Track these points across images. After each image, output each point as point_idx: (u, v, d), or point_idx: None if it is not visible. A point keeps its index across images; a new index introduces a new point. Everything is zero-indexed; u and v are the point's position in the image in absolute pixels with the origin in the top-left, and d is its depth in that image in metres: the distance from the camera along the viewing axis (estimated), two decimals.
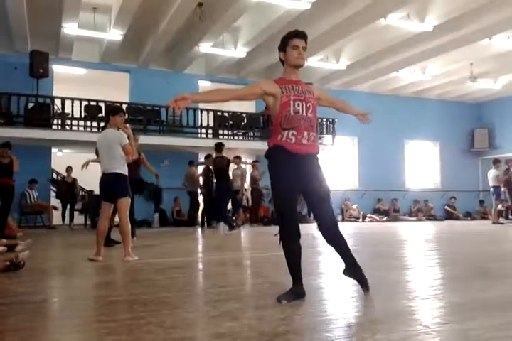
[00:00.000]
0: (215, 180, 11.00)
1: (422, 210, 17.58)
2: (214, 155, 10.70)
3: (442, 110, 18.87)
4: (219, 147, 10.44)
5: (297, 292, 3.06)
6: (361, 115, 3.86)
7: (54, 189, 13.36)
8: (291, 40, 3.22)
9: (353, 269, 3.27)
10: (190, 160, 13.34)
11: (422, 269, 4.77)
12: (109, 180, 5.41)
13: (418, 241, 8.45)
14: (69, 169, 12.74)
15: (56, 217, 12.40)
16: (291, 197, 3.08)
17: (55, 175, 13.82)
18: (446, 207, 17.92)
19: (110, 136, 5.47)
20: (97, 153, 6.14)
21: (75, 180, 12.83)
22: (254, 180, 13.47)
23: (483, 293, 3.36)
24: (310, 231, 7.00)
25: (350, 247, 3.24)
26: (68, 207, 12.77)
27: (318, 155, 3.23)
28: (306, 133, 3.13)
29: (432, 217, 17.23)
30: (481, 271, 4.46)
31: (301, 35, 3.25)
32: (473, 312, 2.77)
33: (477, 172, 18.79)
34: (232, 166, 11.45)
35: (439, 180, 19.04)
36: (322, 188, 3.16)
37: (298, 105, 3.13)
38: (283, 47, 3.25)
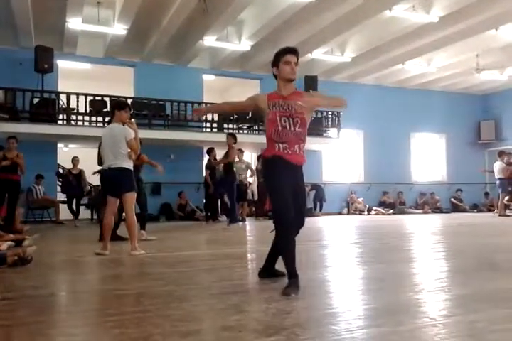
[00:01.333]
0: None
1: (428, 203, 17.53)
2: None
3: (448, 102, 18.75)
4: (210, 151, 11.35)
5: (298, 284, 3.13)
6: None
7: (60, 183, 13.32)
8: (284, 56, 3.39)
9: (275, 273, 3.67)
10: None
11: (428, 262, 4.77)
12: (114, 174, 5.40)
13: (424, 234, 8.44)
14: (75, 160, 12.04)
15: (63, 211, 12.45)
16: (289, 199, 3.27)
17: (61, 170, 13.87)
18: (452, 200, 17.87)
19: (116, 131, 5.47)
20: (99, 148, 6.10)
21: (81, 171, 11.99)
22: (259, 174, 13.47)
23: (489, 285, 3.36)
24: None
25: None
26: (74, 201, 11.89)
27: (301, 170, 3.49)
28: (296, 147, 3.38)
29: (438, 210, 17.18)
30: (487, 264, 4.45)
31: (293, 51, 3.43)
32: (480, 304, 2.77)
33: (484, 165, 18.65)
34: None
35: (446, 173, 18.96)
36: (303, 198, 3.48)
37: (284, 121, 3.35)
38: (275, 62, 3.43)
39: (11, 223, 8.29)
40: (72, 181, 11.82)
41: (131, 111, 6.37)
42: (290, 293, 3.01)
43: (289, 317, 2.51)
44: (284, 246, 3.28)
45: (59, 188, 13.24)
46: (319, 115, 15.15)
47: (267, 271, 3.67)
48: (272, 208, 3.39)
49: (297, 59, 3.44)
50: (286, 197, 3.25)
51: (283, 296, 2.98)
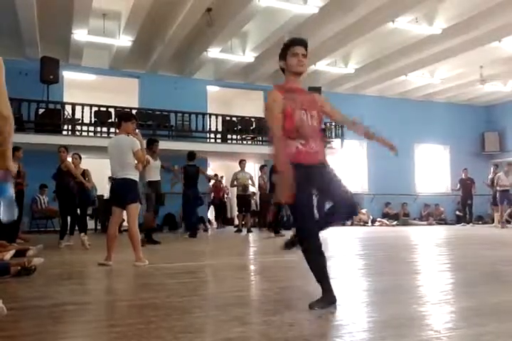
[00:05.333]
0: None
1: (432, 214, 17.46)
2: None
3: (452, 113, 18.77)
4: (191, 155, 10.74)
5: (329, 299, 3.00)
6: (379, 140, 3.75)
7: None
8: (291, 47, 3.19)
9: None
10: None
11: (433, 274, 4.73)
12: (120, 185, 5.43)
13: (428, 246, 8.39)
14: (74, 158, 9.06)
15: None
16: (311, 210, 3.05)
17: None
18: (457, 212, 17.78)
19: (123, 142, 5.49)
20: None
21: (85, 171, 9.19)
22: (261, 185, 13.50)
23: (494, 298, 3.33)
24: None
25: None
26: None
27: (328, 164, 3.20)
28: (312, 142, 3.13)
29: (442, 221, 17.10)
30: (491, 276, 4.42)
31: (301, 42, 3.22)
32: (484, 317, 2.74)
33: (488, 176, 18.61)
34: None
35: (450, 184, 18.91)
36: (339, 185, 3.14)
37: (302, 114, 3.13)
38: (283, 55, 3.23)
39: (15, 233, 8.29)
40: (70, 184, 8.45)
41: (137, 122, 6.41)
42: (314, 306, 2.91)
43: (293, 329, 2.49)
44: (314, 264, 3.05)
45: None
46: (322, 126, 15.17)
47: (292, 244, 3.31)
48: (297, 224, 3.12)
49: (306, 50, 3.21)
50: (310, 211, 3.03)
51: (286, 308, 2.97)
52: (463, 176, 15.30)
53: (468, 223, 15.02)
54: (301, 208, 3.03)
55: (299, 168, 3.00)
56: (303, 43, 3.22)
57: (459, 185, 15.25)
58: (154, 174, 8.84)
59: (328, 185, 3.11)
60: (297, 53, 3.17)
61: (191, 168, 10.71)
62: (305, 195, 3.02)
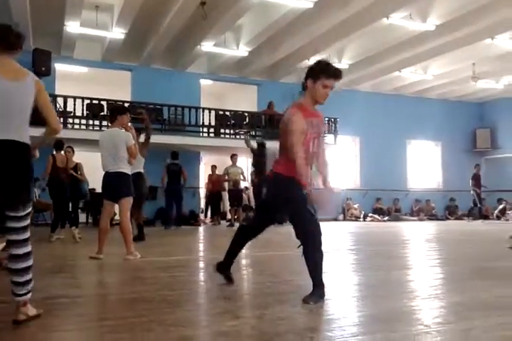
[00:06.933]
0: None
1: (423, 210, 17.57)
2: (168, 161, 11.71)
3: (444, 110, 18.84)
4: (175, 154, 11.66)
5: (322, 294, 3.05)
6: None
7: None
8: (327, 78, 3.10)
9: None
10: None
11: (423, 269, 4.77)
12: (113, 179, 5.39)
13: (419, 241, 8.45)
14: (67, 151, 8.63)
15: None
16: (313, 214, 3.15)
17: None
18: (447, 207, 17.94)
19: (118, 135, 5.44)
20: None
21: (77, 164, 8.87)
22: (253, 180, 13.47)
23: (483, 292, 3.37)
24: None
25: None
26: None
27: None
28: (309, 169, 3.24)
29: (433, 217, 17.22)
30: (481, 271, 4.46)
31: (339, 77, 3.15)
32: (474, 312, 2.77)
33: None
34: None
35: (441, 180, 19.03)
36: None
37: (314, 143, 3.21)
38: (315, 77, 3.12)
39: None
40: (62, 177, 8.18)
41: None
42: (309, 300, 2.95)
43: (284, 323, 2.51)
44: (317, 259, 3.11)
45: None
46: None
47: (224, 268, 3.65)
48: (307, 226, 3.17)
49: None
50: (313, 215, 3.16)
51: (277, 302, 2.98)
52: (475, 171, 15.33)
53: (485, 218, 15.39)
54: (307, 212, 3.13)
55: (298, 185, 3.13)
56: (339, 77, 3.16)
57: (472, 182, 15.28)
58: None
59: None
60: (329, 86, 3.13)
61: (174, 166, 11.55)
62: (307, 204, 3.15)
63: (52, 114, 2.89)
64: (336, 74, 3.13)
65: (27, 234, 2.65)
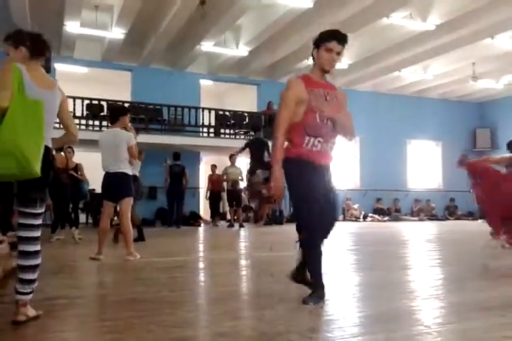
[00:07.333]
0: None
1: (423, 210, 17.56)
2: (168, 161, 11.92)
3: (444, 109, 18.83)
4: (177, 155, 11.93)
5: (321, 294, 3.00)
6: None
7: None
8: (328, 41, 2.98)
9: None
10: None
11: (423, 269, 4.76)
12: (113, 179, 5.38)
13: (419, 241, 8.45)
14: (67, 151, 8.56)
15: None
16: (316, 206, 2.95)
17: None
18: (447, 207, 17.92)
19: (119, 135, 5.42)
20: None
21: (78, 165, 8.86)
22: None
23: (483, 293, 3.36)
24: None
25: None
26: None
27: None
28: (330, 142, 3.08)
29: (433, 217, 17.21)
30: (481, 271, 4.46)
31: (340, 39, 2.99)
32: (474, 312, 2.77)
33: None
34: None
35: (442, 180, 19.01)
36: (334, 200, 3.18)
37: (324, 119, 3.00)
38: (318, 44, 3.02)
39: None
40: (62, 178, 7.94)
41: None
42: (308, 301, 2.90)
43: (284, 324, 2.50)
44: (310, 257, 3.02)
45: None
46: None
47: (300, 276, 3.22)
48: (299, 217, 3.10)
49: (343, 48, 2.99)
50: (315, 205, 2.92)
51: (277, 302, 2.97)
52: None
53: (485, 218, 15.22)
54: (305, 199, 2.95)
55: (309, 165, 2.96)
56: (343, 40, 2.99)
57: None
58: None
59: (325, 188, 3.07)
60: (331, 50, 2.98)
61: (177, 168, 11.79)
62: (310, 185, 2.94)
63: (73, 124, 3.06)
64: (336, 35, 2.99)
65: (39, 233, 2.71)
